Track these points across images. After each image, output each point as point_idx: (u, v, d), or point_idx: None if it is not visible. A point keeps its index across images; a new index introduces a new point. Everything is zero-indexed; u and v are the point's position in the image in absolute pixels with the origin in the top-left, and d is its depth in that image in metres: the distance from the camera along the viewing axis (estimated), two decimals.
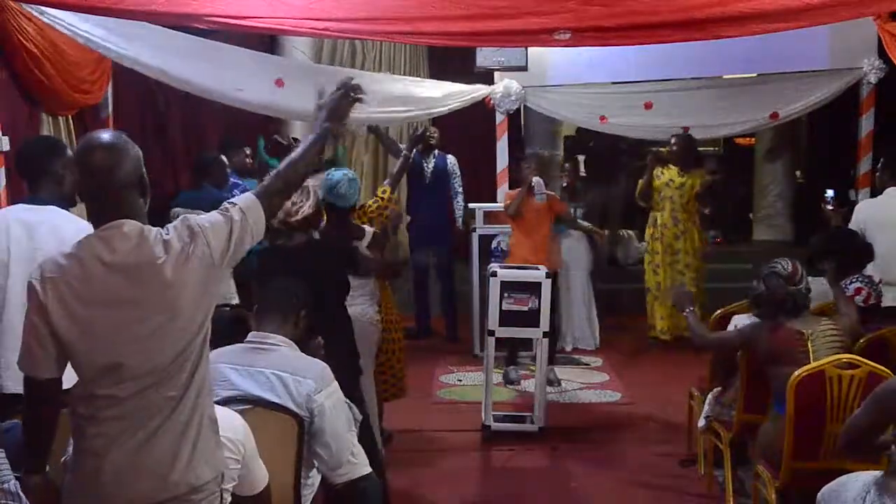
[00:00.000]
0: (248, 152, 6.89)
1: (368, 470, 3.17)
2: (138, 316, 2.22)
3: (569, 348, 7.49)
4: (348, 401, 3.39)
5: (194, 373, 2.30)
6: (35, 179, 3.55)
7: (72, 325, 2.22)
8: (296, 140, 6.68)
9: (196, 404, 2.31)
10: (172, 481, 2.26)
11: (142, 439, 2.24)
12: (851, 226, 5.37)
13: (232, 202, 2.40)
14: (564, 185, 7.73)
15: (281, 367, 3.02)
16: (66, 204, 3.54)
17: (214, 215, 2.37)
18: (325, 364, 3.14)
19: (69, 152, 3.60)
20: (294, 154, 2.53)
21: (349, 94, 2.67)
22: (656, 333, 7.50)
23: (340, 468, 3.07)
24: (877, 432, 2.79)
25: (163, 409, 2.25)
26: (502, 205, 7.50)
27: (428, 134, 7.16)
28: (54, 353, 2.24)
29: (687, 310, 4.37)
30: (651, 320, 7.56)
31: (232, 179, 6.16)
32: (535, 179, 6.35)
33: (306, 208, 3.92)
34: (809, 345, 3.73)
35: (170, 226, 2.31)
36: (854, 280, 4.35)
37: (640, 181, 7.46)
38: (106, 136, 2.33)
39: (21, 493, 2.28)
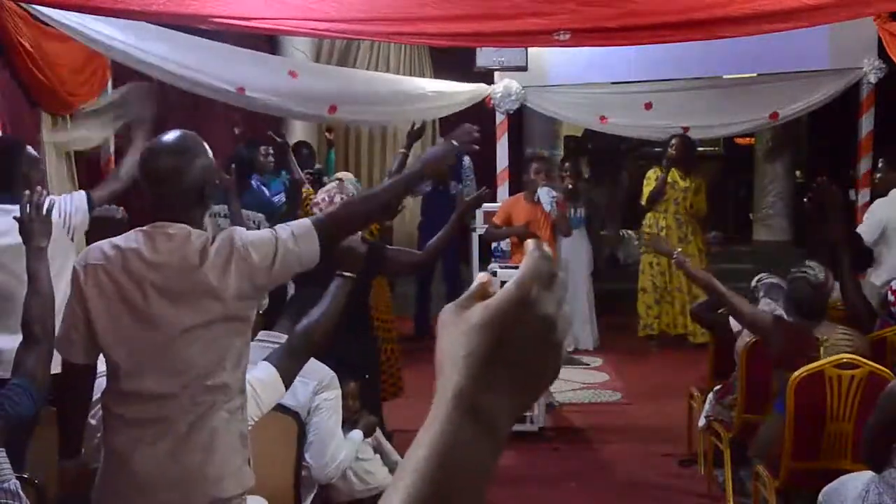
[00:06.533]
0: (269, 150, 6.65)
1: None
2: (170, 315, 2.22)
3: (570, 348, 7.47)
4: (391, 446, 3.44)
5: (227, 383, 2.25)
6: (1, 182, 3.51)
7: (105, 314, 2.22)
8: (281, 137, 6.52)
9: (231, 418, 2.27)
10: (199, 492, 2.24)
11: (170, 445, 2.22)
12: (868, 226, 5.32)
13: (287, 225, 2.36)
14: (570, 186, 7.65)
15: None
16: None
17: (261, 232, 2.35)
18: (333, 373, 3.15)
19: (30, 150, 3.63)
20: (378, 188, 2.54)
21: (454, 147, 2.64)
22: (649, 331, 7.49)
23: (322, 474, 3.10)
24: (890, 436, 2.77)
25: (189, 414, 2.22)
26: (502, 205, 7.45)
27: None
28: (86, 340, 2.24)
29: (675, 254, 4.25)
30: (646, 320, 7.51)
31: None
32: (543, 191, 6.20)
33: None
34: (822, 351, 3.65)
35: (218, 236, 2.29)
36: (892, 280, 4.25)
37: (648, 185, 7.43)
38: (172, 139, 2.30)
39: (21, 493, 2.27)
